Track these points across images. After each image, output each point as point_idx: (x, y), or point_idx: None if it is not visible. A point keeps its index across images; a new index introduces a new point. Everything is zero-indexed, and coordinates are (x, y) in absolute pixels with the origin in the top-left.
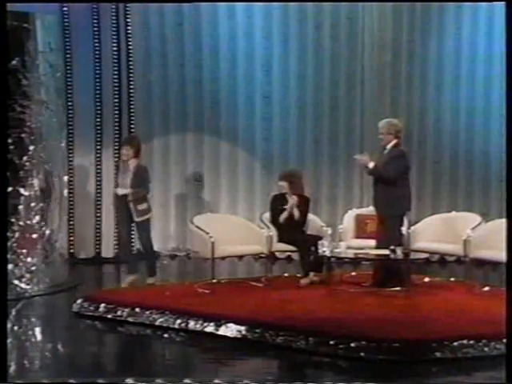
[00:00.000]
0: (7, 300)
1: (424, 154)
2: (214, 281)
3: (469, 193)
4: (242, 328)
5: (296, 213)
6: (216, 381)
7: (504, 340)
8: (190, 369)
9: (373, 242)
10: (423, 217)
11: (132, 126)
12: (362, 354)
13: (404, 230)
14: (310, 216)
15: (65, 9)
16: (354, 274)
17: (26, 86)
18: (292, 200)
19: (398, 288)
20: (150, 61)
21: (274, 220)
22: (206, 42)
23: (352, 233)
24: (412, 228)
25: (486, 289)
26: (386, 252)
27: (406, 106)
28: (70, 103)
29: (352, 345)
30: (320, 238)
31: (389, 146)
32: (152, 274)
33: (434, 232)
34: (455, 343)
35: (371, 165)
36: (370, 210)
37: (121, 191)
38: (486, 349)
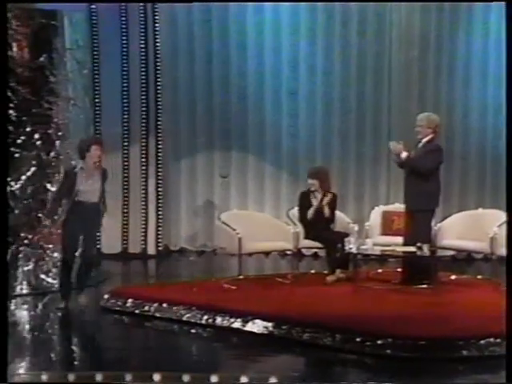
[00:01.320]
0: (7, 298)
1: (451, 151)
2: (241, 277)
3: (496, 189)
4: (269, 324)
5: (326, 210)
6: (243, 377)
7: None
8: (216, 365)
9: (399, 239)
10: (450, 214)
11: (159, 122)
12: (388, 351)
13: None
14: (337, 213)
15: (93, 6)
16: (380, 271)
17: (54, 82)
18: (321, 197)
19: (424, 285)
20: (177, 57)
21: (302, 217)
22: (233, 39)
23: (379, 230)
24: (439, 225)
25: None
26: (413, 249)
27: (434, 101)
28: (97, 100)
29: (378, 342)
30: (347, 235)
31: (424, 140)
32: (82, 288)
33: (461, 229)
34: (482, 341)
35: (404, 155)
36: (396, 206)
37: (92, 198)
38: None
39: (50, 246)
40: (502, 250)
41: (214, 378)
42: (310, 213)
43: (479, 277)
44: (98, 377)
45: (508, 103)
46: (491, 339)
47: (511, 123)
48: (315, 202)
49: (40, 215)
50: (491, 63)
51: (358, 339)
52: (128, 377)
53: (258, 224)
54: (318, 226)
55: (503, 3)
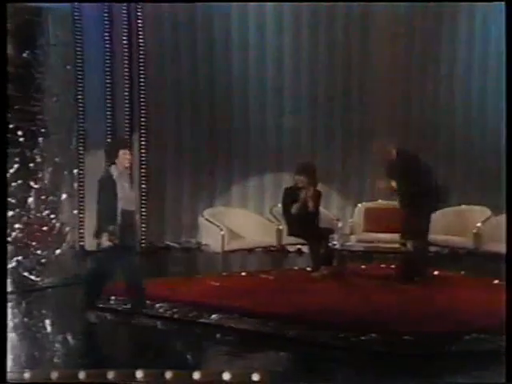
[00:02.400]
0: (6, 296)
1: (436, 147)
2: (225, 274)
3: (478, 186)
4: (254, 321)
5: (309, 205)
6: (225, 373)
7: None
8: (201, 361)
9: (383, 236)
10: None
11: (143, 118)
12: (373, 347)
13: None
14: (321, 209)
15: (76, 3)
16: (364, 267)
17: (37, 78)
18: (306, 192)
19: (408, 281)
20: (162, 53)
21: (287, 213)
22: (217, 36)
23: (362, 226)
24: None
25: (497, 282)
26: (397, 245)
27: (418, 97)
28: (80, 97)
29: (362, 338)
30: (331, 232)
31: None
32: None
33: (444, 225)
34: (468, 337)
35: (394, 184)
36: (379, 203)
37: (131, 205)
38: (501, 343)
39: (34, 243)
40: (486, 246)
41: (196, 375)
42: (295, 209)
43: (463, 272)
44: (81, 375)
45: (508, 103)
46: (479, 334)
47: (511, 123)
48: (301, 198)
49: (23, 213)
50: (476, 59)
51: (341, 335)
52: (110, 374)
53: (242, 221)
54: (303, 222)
55: (503, 3)
